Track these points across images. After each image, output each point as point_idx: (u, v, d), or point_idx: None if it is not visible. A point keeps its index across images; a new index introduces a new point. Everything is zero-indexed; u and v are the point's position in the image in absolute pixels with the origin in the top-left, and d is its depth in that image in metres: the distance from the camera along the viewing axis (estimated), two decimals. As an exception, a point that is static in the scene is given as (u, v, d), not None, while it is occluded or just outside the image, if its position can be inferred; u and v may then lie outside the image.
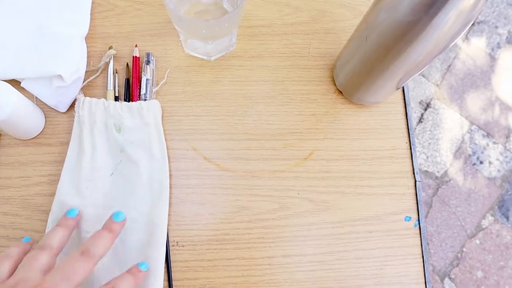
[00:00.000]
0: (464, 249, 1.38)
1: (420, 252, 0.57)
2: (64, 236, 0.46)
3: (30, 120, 0.55)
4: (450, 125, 1.46)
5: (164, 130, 0.58)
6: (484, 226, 1.41)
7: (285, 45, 0.63)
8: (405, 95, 0.62)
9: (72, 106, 0.59)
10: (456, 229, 1.40)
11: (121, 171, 0.55)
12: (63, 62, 0.55)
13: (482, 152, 1.46)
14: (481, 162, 1.46)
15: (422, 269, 0.56)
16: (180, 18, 0.49)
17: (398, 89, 0.55)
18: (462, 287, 1.33)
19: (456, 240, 1.38)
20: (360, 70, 0.53)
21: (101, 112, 0.56)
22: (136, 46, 0.60)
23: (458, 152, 1.46)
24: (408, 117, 0.61)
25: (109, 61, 0.59)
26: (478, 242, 1.40)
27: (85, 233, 0.53)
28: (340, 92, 0.61)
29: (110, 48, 0.60)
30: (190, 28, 0.52)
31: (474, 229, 1.41)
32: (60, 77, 0.55)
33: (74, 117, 0.57)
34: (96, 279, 0.51)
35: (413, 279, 0.56)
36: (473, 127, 1.48)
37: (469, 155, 1.46)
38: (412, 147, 0.60)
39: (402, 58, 0.46)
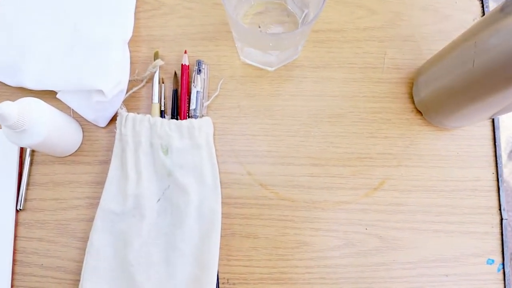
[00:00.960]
0: None
1: (503, 301, 0.50)
2: None
3: (67, 136, 0.49)
4: (503, 122, 1.35)
5: (215, 150, 0.50)
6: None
7: (356, 53, 0.54)
8: (494, 119, 0.53)
9: (113, 119, 0.52)
10: (510, 233, 1.31)
11: (169, 198, 0.49)
12: (104, 74, 0.48)
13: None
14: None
15: (505, 320, 0.49)
16: (243, 30, 0.41)
17: (490, 119, 0.46)
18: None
19: (511, 243, 1.29)
20: (453, 93, 0.44)
21: (146, 131, 0.49)
22: (185, 52, 0.53)
23: (512, 151, 1.35)
24: (496, 144, 0.52)
25: (155, 71, 0.51)
26: (527, 248, 1.31)
27: (130, 266, 0.47)
28: (419, 111, 0.52)
29: (156, 54, 0.52)
30: (254, 40, 0.44)
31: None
32: (100, 91, 0.48)
33: (114, 132, 0.51)
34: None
35: (493, 332, 0.49)
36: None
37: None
38: (499, 178, 0.52)
39: (511, 91, 0.38)
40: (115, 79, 0.48)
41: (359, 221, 0.50)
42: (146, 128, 0.49)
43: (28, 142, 0.43)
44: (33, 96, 0.46)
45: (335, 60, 0.54)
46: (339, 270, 0.49)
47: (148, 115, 0.50)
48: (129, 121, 0.50)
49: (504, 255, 0.51)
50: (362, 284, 0.49)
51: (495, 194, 0.52)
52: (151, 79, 0.52)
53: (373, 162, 0.52)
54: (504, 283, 0.50)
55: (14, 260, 0.50)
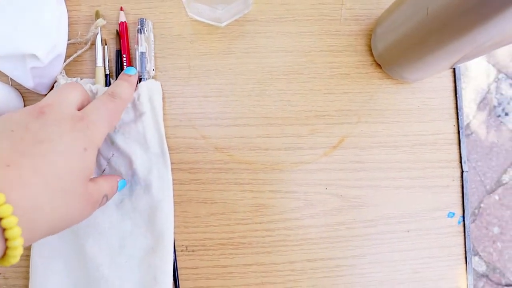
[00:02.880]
0: (482, 205, 1.33)
1: (463, 252, 0.50)
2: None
3: (5, 107, 0.45)
4: (476, 73, 1.34)
5: (165, 114, 0.48)
6: (504, 182, 1.35)
7: (312, 5, 0.51)
8: (455, 69, 0.51)
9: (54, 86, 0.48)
10: (475, 184, 1.33)
11: (114, 167, 0.47)
12: (36, 36, 0.44)
13: (509, 103, 1.36)
14: (506, 114, 1.36)
15: (465, 272, 0.50)
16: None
17: (451, 68, 0.45)
18: (477, 243, 1.30)
19: (474, 195, 1.32)
20: (411, 44, 0.43)
21: None
22: (121, 9, 0.49)
23: (483, 103, 1.36)
24: (458, 95, 0.51)
25: (98, 33, 0.47)
26: (497, 197, 1.34)
27: (80, 238, 0.46)
28: (378, 65, 0.50)
29: (97, 13, 0.49)
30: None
31: (494, 185, 1.35)
32: (35, 56, 0.44)
33: None
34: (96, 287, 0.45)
35: (453, 284, 0.50)
36: (501, 75, 1.36)
37: (494, 106, 1.36)
38: (460, 131, 0.51)
39: (469, 39, 0.36)
40: (50, 42, 0.44)
41: (319, 181, 0.49)
42: None
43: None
44: None
45: (290, 13, 0.51)
46: (300, 232, 0.49)
47: (89, 84, 0.46)
48: None
49: (464, 208, 0.51)
50: (323, 244, 0.49)
51: (456, 147, 0.51)
52: (94, 41, 0.49)
53: (331, 119, 0.50)
54: (464, 235, 0.50)
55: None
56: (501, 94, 1.36)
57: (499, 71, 1.37)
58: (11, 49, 0.44)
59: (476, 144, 1.36)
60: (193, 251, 0.48)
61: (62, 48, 0.47)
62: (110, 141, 0.47)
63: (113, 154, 0.47)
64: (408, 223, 0.50)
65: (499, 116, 1.36)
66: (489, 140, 1.36)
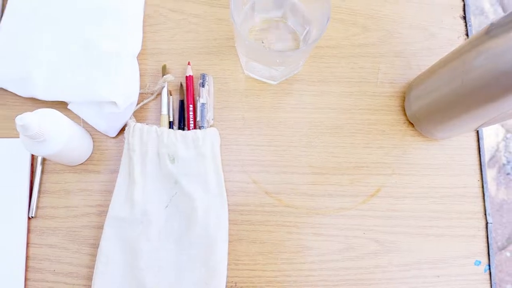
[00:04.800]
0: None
1: (489, 299, 0.56)
2: None
3: (80, 146, 0.53)
4: (485, 133, 1.44)
5: (222, 160, 0.55)
6: (515, 239, 1.41)
7: (352, 69, 0.60)
8: (479, 130, 0.59)
9: (122, 129, 0.56)
10: (486, 241, 1.39)
11: (176, 204, 0.53)
12: (117, 87, 0.52)
13: (517, 162, 1.44)
14: (515, 172, 1.44)
15: (491, 317, 0.55)
16: (251, 47, 0.47)
17: (475, 130, 0.53)
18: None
19: (485, 252, 1.37)
20: (443, 107, 0.51)
21: (153, 141, 0.54)
22: (189, 63, 0.58)
23: (492, 161, 1.45)
24: (481, 153, 0.59)
25: (165, 86, 0.56)
26: (508, 254, 1.40)
27: (140, 271, 0.51)
28: (411, 123, 0.59)
29: (164, 68, 0.57)
30: (262, 56, 0.50)
31: (505, 241, 1.40)
32: (113, 103, 0.52)
33: (123, 142, 0.55)
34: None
35: (481, 328, 0.55)
36: (509, 135, 1.46)
37: (503, 164, 1.44)
38: (484, 185, 0.58)
39: (496, 106, 0.44)
40: (127, 91, 0.53)
41: (358, 226, 0.56)
42: (153, 138, 0.54)
43: (46, 152, 0.47)
44: (43, 107, 0.50)
45: (333, 75, 0.60)
46: (340, 273, 0.55)
47: (155, 126, 0.54)
48: (136, 131, 0.54)
49: (490, 257, 0.57)
50: (361, 286, 0.55)
51: (480, 199, 0.58)
52: (160, 91, 0.57)
53: (369, 170, 0.57)
54: (490, 283, 0.56)
55: (26, 267, 0.53)
56: (510, 152, 1.45)
57: (507, 131, 1.47)
58: (93, 97, 0.52)
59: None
60: (241, 287, 0.54)
61: (135, 97, 0.55)
62: (174, 180, 0.54)
63: (176, 193, 0.54)
64: (438, 269, 0.56)
65: (508, 174, 1.45)
66: (500, 197, 1.43)
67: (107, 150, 0.56)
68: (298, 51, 0.46)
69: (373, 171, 0.57)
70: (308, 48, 0.46)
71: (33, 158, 0.55)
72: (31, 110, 0.53)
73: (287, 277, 0.54)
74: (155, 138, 0.54)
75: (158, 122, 0.56)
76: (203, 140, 0.54)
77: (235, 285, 0.53)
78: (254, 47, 0.47)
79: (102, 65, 0.53)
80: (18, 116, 0.42)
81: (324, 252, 0.55)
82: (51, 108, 0.49)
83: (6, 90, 0.57)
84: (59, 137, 0.47)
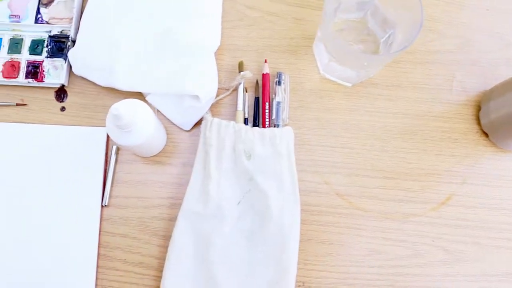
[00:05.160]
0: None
1: (557, 315, 0.55)
2: None
3: (157, 139, 0.53)
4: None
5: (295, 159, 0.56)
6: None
7: (427, 75, 0.60)
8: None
9: (197, 123, 0.56)
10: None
11: (249, 201, 0.54)
12: (201, 81, 0.53)
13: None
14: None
15: (558, 334, 0.55)
16: (340, 49, 0.47)
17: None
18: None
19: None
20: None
21: (230, 136, 0.54)
22: (265, 61, 0.58)
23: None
24: (555, 167, 0.58)
25: (242, 82, 0.56)
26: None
27: (212, 265, 0.51)
28: (484, 133, 0.58)
29: (241, 64, 0.58)
30: (350, 58, 0.50)
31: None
32: (195, 97, 0.53)
33: (197, 136, 0.56)
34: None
35: None
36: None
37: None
38: (556, 200, 0.58)
39: None
40: (209, 86, 0.53)
41: (427, 233, 0.56)
42: (230, 133, 0.54)
43: (132, 142, 0.48)
44: (120, 97, 0.52)
45: (408, 80, 0.60)
46: (407, 279, 0.55)
47: (232, 122, 0.54)
48: (214, 125, 0.54)
49: (560, 272, 0.56)
50: (428, 293, 0.54)
51: (552, 215, 0.58)
52: (236, 87, 0.57)
53: (440, 178, 0.57)
54: (559, 299, 0.56)
55: (98, 254, 0.54)
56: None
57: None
58: (177, 89, 0.53)
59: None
60: (309, 287, 0.54)
61: (214, 92, 0.55)
62: (249, 177, 0.54)
63: (249, 190, 0.54)
64: (508, 282, 0.56)
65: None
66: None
67: (180, 143, 0.57)
68: (390, 55, 0.46)
69: (444, 179, 0.57)
70: (396, 52, 0.46)
71: (107, 147, 0.56)
72: (108, 100, 0.55)
73: (354, 280, 0.54)
74: (232, 133, 0.54)
75: (232, 118, 0.57)
76: (280, 139, 0.54)
77: (303, 285, 0.54)
78: (344, 48, 0.47)
79: (186, 58, 0.54)
80: (113, 106, 0.43)
81: (392, 257, 0.55)
82: (130, 98, 0.49)
83: (84, 79, 0.58)
84: (145, 128, 0.48)
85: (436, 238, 0.56)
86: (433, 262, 0.55)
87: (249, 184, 0.54)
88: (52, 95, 0.59)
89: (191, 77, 0.53)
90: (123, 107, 0.43)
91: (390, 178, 0.57)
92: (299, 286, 0.53)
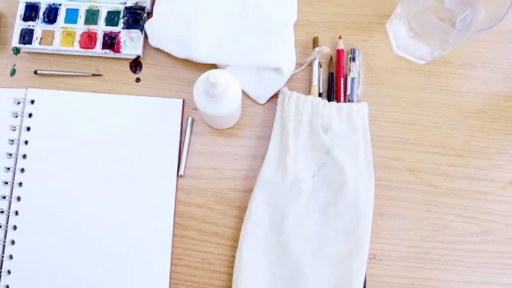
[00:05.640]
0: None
1: None
2: None
3: (237, 111, 0.54)
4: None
5: (368, 135, 0.57)
6: None
7: (499, 55, 0.61)
8: None
9: (270, 98, 0.57)
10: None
11: (325, 175, 0.55)
12: (285, 53, 0.53)
13: None
14: None
15: None
16: (430, 24, 0.47)
17: None
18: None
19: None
20: None
21: (308, 110, 0.55)
22: (340, 37, 0.59)
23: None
24: None
25: (318, 57, 0.57)
26: None
27: (286, 236, 0.53)
28: (555, 114, 0.59)
29: (316, 40, 0.58)
30: (435, 35, 0.50)
31: None
32: (276, 70, 0.53)
33: (271, 110, 0.57)
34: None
35: None
36: None
37: None
38: None
39: None
40: (290, 59, 0.54)
41: (496, 211, 0.57)
42: (308, 107, 0.55)
43: (219, 112, 0.49)
44: (195, 69, 0.55)
45: (479, 60, 0.60)
46: (476, 255, 0.56)
47: (310, 96, 0.55)
48: (292, 99, 0.55)
49: None
50: (496, 270, 0.56)
51: None
52: (310, 62, 0.58)
53: (510, 157, 0.58)
54: None
55: (174, 223, 0.55)
56: None
57: None
58: (259, 61, 0.53)
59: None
60: (380, 260, 0.55)
61: (294, 66, 0.56)
62: (325, 150, 0.55)
63: (325, 163, 0.55)
64: None
65: None
66: None
67: (255, 117, 0.58)
68: (480, 31, 0.46)
69: (514, 158, 0.58)
70: (488, 29, 0.46)
71: (182, 118, 0.57)
72: (182, 72, 0.56)
73: (424, 254, 0.55)
74: (310, 107, 0.55)
75: (305, 93, 0.57)
76: (356, 114, 0.55)
77: (374, 258, 0.55)
78: (434, 24, 0.47)
79: (267, 31, 0.54)
80: (211, 73, 0.43)
81: (461, 233, 0.56)
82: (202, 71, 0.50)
83: (158, 51, 0.59)
84: (234, 99, 0.48)
85: (504, 216, 0.57)
86: (501, 239, 0.56)
87: (325, 157, 0.55)
88: (126, 66, 0.59)
89: (274, 50, 0.53)
90: (221, 76, 0.43)
91: (461, 156, 0.58)
92: (370, 258, 0.55)
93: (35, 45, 0.58)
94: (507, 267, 0.56)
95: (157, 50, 0.59)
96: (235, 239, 0.54)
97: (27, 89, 0.58)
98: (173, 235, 0.55)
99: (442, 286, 0.55)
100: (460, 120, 0.58)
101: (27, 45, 0.58)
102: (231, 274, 0.54)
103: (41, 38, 0.58)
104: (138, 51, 0.58)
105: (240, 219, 0.55)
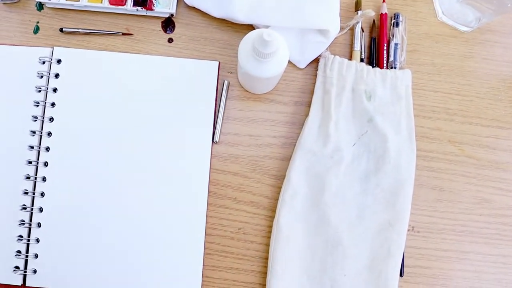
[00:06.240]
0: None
1: None
2: None
3: (280, 75, 0.52)
4: None
5: (410, 103, 0.55)
6: None
7: (545, 24, 0.58)
8: None
9: (310, 63, 0.55)
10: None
11: (366, 143, 0.53)
12: (330, 15, 0.51)
13: None
14: None
15: None
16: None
17: None
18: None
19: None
20: None
21: (351, 76, 0.53)
22: (384, 1, 0.56)
23: None
24: None
25: (359, 21, 0.54)
26: None
27: (325, 206, 0.51)
28: None
29: (359, 3, 0.56)
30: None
31: None
32: (321, 32, 0.51)
33: (311, 75, 0.55)
34: (339, 261, 0.51)
35: None
36: None
37: None
38: None
39: None
40: (336, 21, 0.51)
41: (537, 185, 0.56)
42: (352, 73, 0.53)
43: (267, 74, 0.46)
44: (231, 30, 0.53)
45: (525, 29, 0.58)
46: (514, 229, 0.55)
47: (354, 61, 0.53)
48: (335, 64, 0.53)
49: None
50: (535, 244, 0.55)
51: None
52: (352, 27, 0.55)
53: (553, 130, 0.57)
54: None
55: (208, 191, 0.53)
56: None
57: None
58: (305, 23, 0.51)
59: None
60: (418, 232, 0.54)
61: (338, 28, 0.53)
62: (367, 118, 0.53)
63: (366, 131, 0.53)
64: None
65: None
66: None
67: (293, 82, 0.56)
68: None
69: (557, 131, 0.57)
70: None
71: (217, 82, 0.55)
72: (218, 33, 0.54)
73: (462, 227, 0.54)
74: (354, 73, 0.53)
75: (346, 58, 0.55)
76: (400, 81, 0.53)
77: (412, 229, 0.54)
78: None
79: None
80: (266, 31, 0.41)
81: (501, 207, 0.55)
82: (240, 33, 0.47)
83: (192, 10, 0.56)
84: (282, 60, 0.46)
85: (546, 190, 0.56)
86: (542, 214, 0.55)
87: (367, 125, 0.53)
88: (158, 26, 0.57)
89: (322, 11, 0.51)
90: (275, 34, 0.41)
91: (503, 128, 0.56)
92: (408, 230, 0.54)
93: (60, 0, 0.54)
94: (545, 241, 0.55)
95: (192, 9, 0.56)
96: (271, 209, 0.53)
97: (53, 47, 0.54)
98: (208, 204, 0.53)
99: (480, 259, 0.54)
100: (503, 90, 0.57)
101: (52, 0, 0.54)
102: (267, 245, 0.52)
103: (67, -7, 0.54)
104: (172, 10, 0.55)
105: (277, 188, 0.53)
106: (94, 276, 0.50)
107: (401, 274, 0.52)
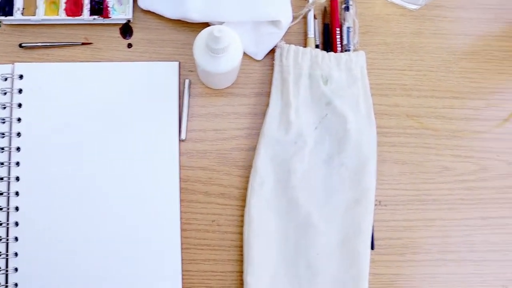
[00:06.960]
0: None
1: None
2: None
3: (237, 69, 0.54)
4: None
5: (365, 83, 0.57)
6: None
7: (490, -5, 0.61)
8: None
9: (267, 54, 0.57)
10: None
11: (326, 126, 0.56)
12: (283, 5, 0.52)
13: None
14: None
15: None
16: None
17: None
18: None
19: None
20: None
21: (307, 62, 0.55)
22: (333, -13, 0.58)
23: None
24: None
25: (311, 9, 0.56)
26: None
27: (293, 190, 0.54)
28: (544, 50, 0.60)
29: (312, -9, 0.57)
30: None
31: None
32: (274, 23, 0.53)
33: (268, 66, 0.57)
34: (311, 242, 0.53)
35: None
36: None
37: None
38: None
39: None
40: (288, 10, 0.53)
41: (491, 149, 0.59)
42: (307, 59, 0.55)
43: (221, 69, 0.48)
44: (187, 30, 0.55)
45: (470, 1, 0.61)
46: (475, 192, 0.58)
47: (309, 48, 0.55)
48: (291, 52, 0.55)
49: None
50: (494, 204, 0.58)
51: None
52: (305, 15, 0.57)
53: (503, 96, 0.60)
54: None
55: (180, 188, 0.55)
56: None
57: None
58: (259, 15, 0.52)
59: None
60: (385, 205, 0.57)
61: (291, 18, 0.55)
62: (325, 101, 0.55)
63: (326, 114, 0.55)
64: None
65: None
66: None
67: (252, 74, 0.58)
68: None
69: (507, 96, 0.60)
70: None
71: (179, 82, 0.56)
72: (175, 34, 0.56)
73: (427, 196, 0.57)
74: (309, 59, 0.55)
75: (301, 46, 0.57)
76: (355, 63, 0.55)
77: (379, 204, 0.57)
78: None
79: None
80: (216, 27, 0.43)
81: (461, 173, 0.58)
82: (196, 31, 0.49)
83: (148, 14, 0.58)
84: (236, 54, 0.48)
85: (500, 153, 0.59)
86: (498, 175, 0.59)
87: (326, 108, 0.55)
88: (117, 32, 0.58)
89: (271, 2, 0.52)
90: (225, 30, 0.43)
91: (456, 98, 0.59)
92: (375, 205, 0.56)
93: (17, 16, 0.55)
94: (505, 201, 0.58)
95: (148, 12, 0.57)
96: (242, 199, 0.55)
97: (14, 64, 0.55)
98: (180, 200, 0.54)
99: (446, 225, 0.57)
100: (454, 62, 0.59)
101: (8, 17, 0.55)
102: (241, 233, 0.55)
103: (23, 8, 0.55)
104: (128, 15, 0.56)
105: (246, 178, 0.55)
106: (74, 277, 0.52)
107: (372, 248, 0.54)
